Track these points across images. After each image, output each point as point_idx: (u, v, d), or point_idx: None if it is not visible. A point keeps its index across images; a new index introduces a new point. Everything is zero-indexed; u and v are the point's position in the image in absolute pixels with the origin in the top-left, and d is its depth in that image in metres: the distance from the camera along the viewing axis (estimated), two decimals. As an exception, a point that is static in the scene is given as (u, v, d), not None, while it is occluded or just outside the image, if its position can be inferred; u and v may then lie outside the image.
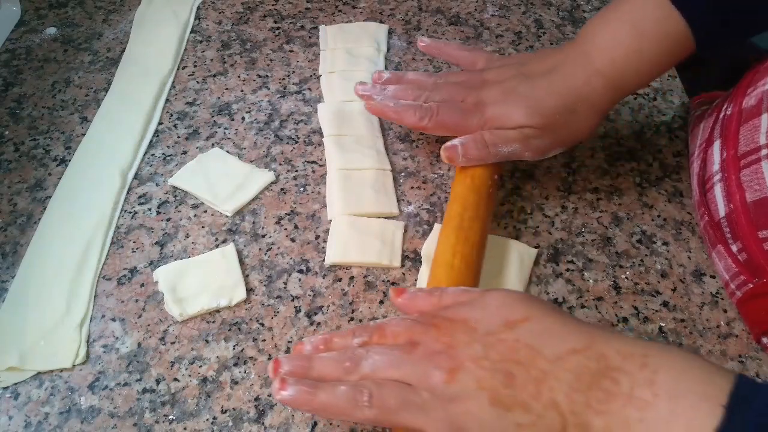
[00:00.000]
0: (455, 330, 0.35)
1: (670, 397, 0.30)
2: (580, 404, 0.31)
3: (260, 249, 0.49)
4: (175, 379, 0.42)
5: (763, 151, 0.42)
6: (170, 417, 0.41)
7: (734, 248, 0.44)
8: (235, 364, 0.43)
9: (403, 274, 0.48)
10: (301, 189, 0.53)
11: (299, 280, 0.47)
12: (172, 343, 0.44)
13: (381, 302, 0.46)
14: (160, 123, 0.59)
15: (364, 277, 0.47)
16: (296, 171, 0.55)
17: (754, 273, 0.43)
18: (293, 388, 0.34)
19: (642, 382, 0.30)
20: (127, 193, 0.53)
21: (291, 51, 0.66)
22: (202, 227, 0.51)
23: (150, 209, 0.52)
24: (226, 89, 0.62)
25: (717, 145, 0.48)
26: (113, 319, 0.45)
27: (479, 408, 0.32)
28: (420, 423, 0.33)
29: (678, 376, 0.30)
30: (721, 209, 0.45)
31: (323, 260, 0.48)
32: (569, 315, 0.36)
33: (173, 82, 0.63)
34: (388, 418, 0.33)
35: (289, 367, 0.36)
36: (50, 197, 0.52)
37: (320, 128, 0.58)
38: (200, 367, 0.43)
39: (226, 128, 0.58)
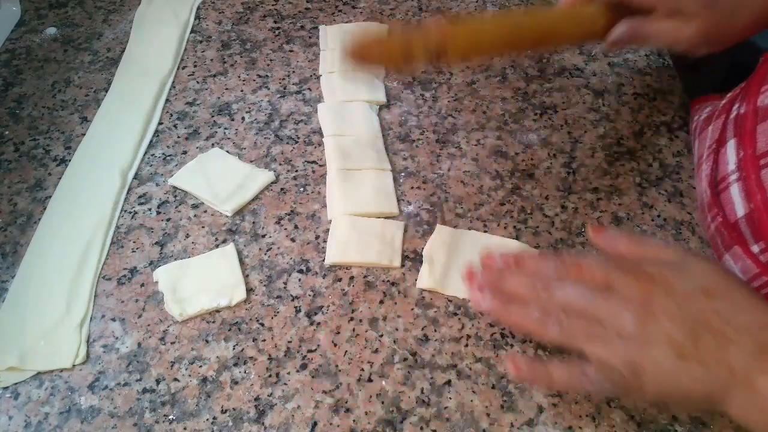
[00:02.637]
0: (654, 285, 0.36)
1: None
2: (755, 368, 0.33)
3: (260, 249, 0.49)
4: (175, 379, 0.42)
5: None
6: (170, 417, 0.41)
7: (755, 249, 0.44)
8: (235, 364, 0.43)
9: (403, 274, 0.48)
10: (301, 189, 0.53)
11: (299, 280, 0.47)
12: (172, 343, 0.44)
13: (381, 302, 0.46)
14: (160, 123, 0.59)
15: (364, 277, 0.47)
16: (296, 171, 0.55)
17: None
18: (490, 300, 0.38)
19: None
20: (127, 193, 0.53)
21: (291, 51, 0.66)
22: (202, 227, 0.51)
23: (150, 209, 0.52)
24: (226, 89, 0.62)
25: (731, 145, 0.47)
26: (113, 319, 0.45)
27: (662, 356, 0.34)
28: (602, 354, 0.35)
29: None
30: (739, 209, 0.45)
31: (323, 260, 0.48)
32: (758, 293, 0.37)
33: (173, 82, 0.63)
34: (572, 343, 0.36)
35: (485, 278, 0.39)
36: (50, 197, 0.52)
37: (320, 128, 0.58)
38: (200, 367, 0.43)
39: (226, 128, 0.58)
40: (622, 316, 0.36)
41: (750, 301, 0.36)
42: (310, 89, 0.62)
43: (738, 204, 0.45)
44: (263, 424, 0.40)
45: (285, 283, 0.47)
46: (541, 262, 0.40)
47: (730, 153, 0.47)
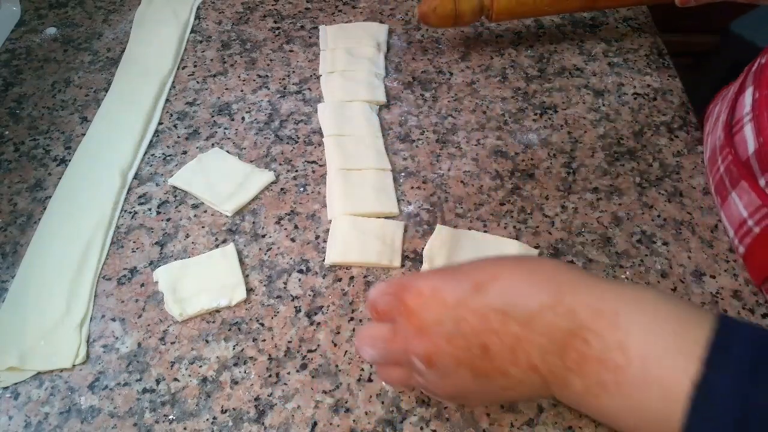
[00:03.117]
0: (424, 306, 0.34)
1: (644, 360, 0.29)
2: (557, 366, 0.31)
3: (260, 249, 0.49)
4: (175, 379, 0.42)
5: None
6: (170, 417, 0.41)
7: (762, 182, 0.45)
8: (235, 364, 0.43)
9: (403, 273, 0.48)
10: (301, 189, 0.53)
11: (299, 280, 0.47)
12: (172, 343, 0.44)
13: (381, 302, 0.46)
14: (160, 123, 0.59)
15: (364, 277, 0.47)
16: (296, 171, 0.55)
17: None
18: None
19: (614, 345, 0.30)
20: (127, 193, 0.53)
21: (291, 51, 0.66)
22: (202, 227, 0.51)
23: (150, 209, 0.52)
24: (226, 89, 0.62)
25: (749, 92, 0.48)
26: (113, 319, 0.45)
27: (463, 381, 0.33)
28: (428, 392, 0.37)
29: (651, 334, 0.30)
30: (751, 146, 0.46)
31: (323, 260, 0.48)
32: (539, 261, 0.36)
33: (173, 82, 0.63)
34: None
35: None
36: (50, 197, 0.52)
37: (320, 128, 0.58)
38: (200, 367, 0.43)
39: (226, 128, 0.58)
40: (413, 360, 0.34)
41: (524, 278, 0.33)
42: (310, 89, 0.62)
43: (750, 141, 0.46)
44: (263, 424, 0.40)
45: (285, 283, 0.47)
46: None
47: (747, 98, 0.48)
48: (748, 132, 0.47)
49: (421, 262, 0.48)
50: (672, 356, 0.29)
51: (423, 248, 0.49)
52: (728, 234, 0.49)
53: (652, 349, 0.29)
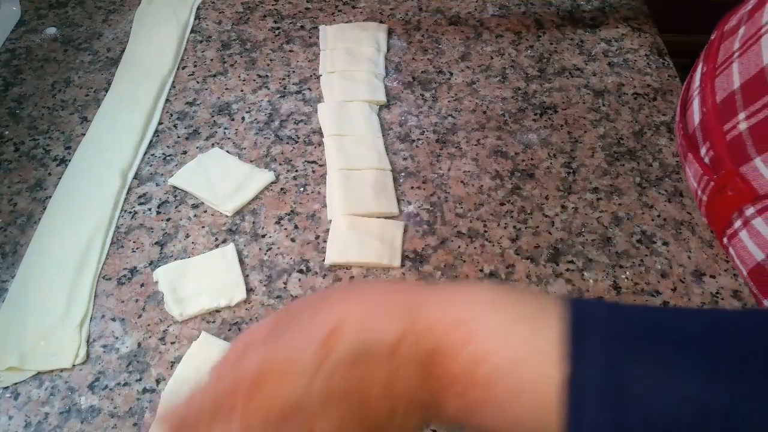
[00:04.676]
0: (274, 395, 0.28)
1: (506, 371, 0.27)
2: (428, 392, 0.29)
3: (260, 249, 0.49)
4: (175, 379, 0.42)
5: (735, 54, 0.45)
6: (170, 417, 0.40)
7: (703, 151, 0.47)
8: (235, 364, 0.43)
9: (403, 274, 0.48)
10: (301, 189, 0.53)
11: (299, 280, 0.47)
12: (172, 343, 0.44)
13: (381, 302, 0.46)
14: (160, 123, 0.59)
15: (364, 277, 0.47)
16: (296, 171, 0.55)
17: (716, 169, 0.46)
18: None
19: (472, 360, 0.28)
20: (127, 193, 0.53)
21: (291, 51, 0.66)
22: (202, 227, 0.51)
23: (150, 209, 0.52)
24: (226, 89, 0.62)
25: (699, 68, 0.51)
26: (113, 319, 0.45)
27: None
28: None
29: (507, 341, 0.28)
30: (696, 118, 0.48)
31: (323, 260, 0.48)
32: (371, 288, 0.33)
33: (173, 82, 0.63)
34: None
35: None
36: (50, 197, 0.52)
37: (320, 128, 0.58)
38: (200, 367, 0.43)
39: (226, 128, 0.58)
40: None
41: (374, 310, 0.29)
42: (310, 89, 0.62)
43: (696, 114, 0.49)
44: (263, 424, 0.40)
45: (285, 283, 0.47)
46: None
47: (698, 74, 0.51)
48: (696, 105, 0.49)
49: (422, 262, 0.48)
50: (533, 362, 0.27)
51: (423, 248, 0.49)
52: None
53: (512, 357, 0.27)
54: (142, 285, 0.47)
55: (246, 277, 0.47)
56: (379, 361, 0.28)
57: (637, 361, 0.25)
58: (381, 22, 0.68)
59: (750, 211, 0.43)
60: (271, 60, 0.65)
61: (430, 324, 0.28)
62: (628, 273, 0.48)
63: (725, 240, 0.47)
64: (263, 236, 0.50)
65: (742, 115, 0.43)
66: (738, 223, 0.45)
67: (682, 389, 0.25)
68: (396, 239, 0.49)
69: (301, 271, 0.48)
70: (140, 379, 0.42)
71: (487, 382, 0.27)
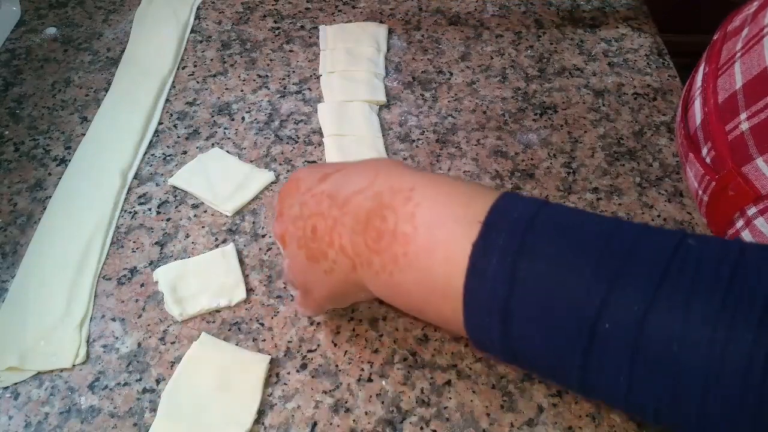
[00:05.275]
0: (283, 193, 0.38)
1: (429, 227, 0.31)
2: (360, 245, 0.33)
3: (260, 249, 0.49)
4: (175, 379, 0.42)
5: (738, 54, 0.45)
6: (170, 417, 0.40)
7: (704, 152, 0.47)
8: (235, 364, 0.43)
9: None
10: (301, 189, 0.53)
11: (299, 280, 0.47)
12: (172, 343, 0.44)
13: (381, 302, 0.46)
14: (160, 123, 0.59)
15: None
16: (296, 171, 0.55)
17: (717, 169, 0.46)
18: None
19: (405, 217, 0.32)
20: (127, 193, 0.53)
21: (291, 51, 0.66)
22: (202, 227, 0.51)
23: (150, 209, 0.52)
24: (226, 89, 0.62)
25: (701, 68, 0.51)
26: (113, 319, 0.45)
27: (302, 263, 0.37)
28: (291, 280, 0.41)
29: (439, 205, 0.31)
30: (698, 118, 0.48)
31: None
32: (383, 159, 0.38)
33: (173, 82, 0.63)
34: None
35: None
36: (50, 197, 0.52)
37: (320, 128, 0.58)
38: (200, 367, 0.43)
39: (226, 128, 0.58)
40: (277, 241, 0.39)
41: (355, 168, 0.36)
42: (310, 89, 0.62)
43: (698, 114, 0.48)
44: (263, 424, 0.40)
45: (285, 283, 0.47)
46: None
47: (700, 74, 0.51)
48: (698, 105, 0.49)
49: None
50: (456, 223, 0.30)
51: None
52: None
53: (438, 218, 0.31)
54: (142, 285, 0.47)
55: (246, 277, 0.47)
56: (333, 207, 0.34)
57: (538, 243, 0.29)
58: (381, 22, 0.68)
59: (752, 210, 0.43)
60: (271, 60, 0.65)
61: (381, 189, 0.33)
62: (628, 273, 0.48)
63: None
64: (263, 236, 0.50)
65: (743, 115, 0.43)
66: (740, 223, 0.45)
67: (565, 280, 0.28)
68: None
69: (301, 271, 0.48)
70: (140, 379, 0.42)
71: (409, 237, 0.31)
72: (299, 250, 0.36)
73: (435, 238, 0.30)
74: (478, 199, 0.31)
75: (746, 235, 0.45)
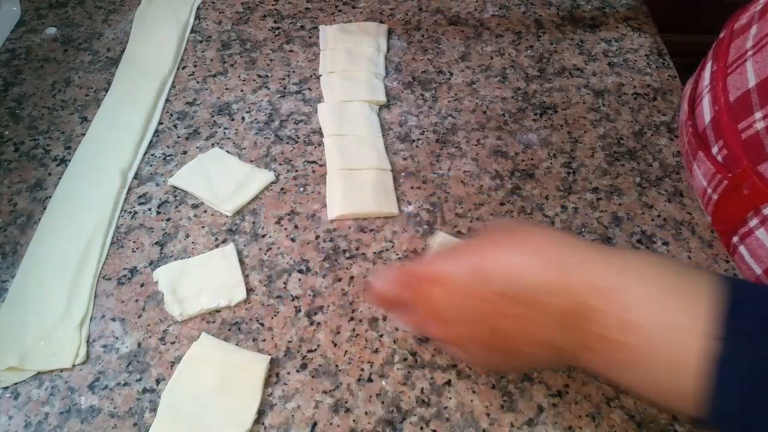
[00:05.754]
0: (442, 299, 0.35)
1: (649, 339, 0.29)
2: (563, 341, 0.32)
3: (260, 249, 0.49)
4: (175, 379, 0.42)
5: (749, 53, 0.45)
6: (170, 417, 0.40)
7: (715, 150, 0.47)
8: (235, 364, 0.43)
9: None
10: (301, 189, 0.53)
11: (299, 280, 0.47)
12: (172, 343, 0.44)
13: (381, 302, 0.46)
14: (160, 123, 0.59)
15: (364, 277, 0.47)
16: (296, 171, 0.55)
17: (730, 168, 0.46)
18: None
19: (617, 324, 0.30)
20: (127, 193, 0.53)
21: (291, 51, 0.66)
22: (202, 227, 0.51)
23: (150, 209, 0.52)
24: (226, 89, 0.62)
25: (709, 65, 0.51)
26: (113, 319, 0.45)
27: (484, 356, 0.37)
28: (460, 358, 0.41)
29: (653, 312, 0.29)
30: (707, 116, 0.48)
31: (323, 260, 0.48)
32: (530, 233, 0.36)
33: (173, 82, 0.63)
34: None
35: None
36: (50, 197, 0.52)
37: (320, 128, 0.58)
38: (200, 367, 0.43)
39: (226, 128, 0.58)
40: (433, 340, 0.38)
41: (525, 260, 0.33)
42: (310, 89, 0.62)
43: (707, 112, 0.48)
44: (263, 424, 0.40)
45: (285, 283, 0.47)
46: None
47: (707, 72, 0.51)
48: (706, 103, 0.49)
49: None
50: (679, 335, 0.28)
51: (423, 248, 0.49)
52: (700, 206, 0.51)
53: (656, 328, 0.29)
54: (142, 285, 0.47)
55: (246, 277, 0.47)
56: (512, 305, 0.33)
57: None
58: (381, 22, 0.68)
59: None
60: (271, 60, 0.65)
61: (580, 284, 0.31)
62: (628, 273, 0.48)
63: (735, 239, 0.47)
64: (263, 236, 0.50)
65: (758, 114, 0.43)
66: (754, 222, 0.45)
67: None
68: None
69: (301, 271, 0.48)
70: (140, 379, 0.42)
71: (625, 346, 0.30)
72: (480, 348, 0.36)
73: (658, 350, 0.29)
74: (694, 297, 0.29)
75: (761, 234, 0.45)
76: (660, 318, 0.29)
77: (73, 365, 0.43)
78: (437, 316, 0.36)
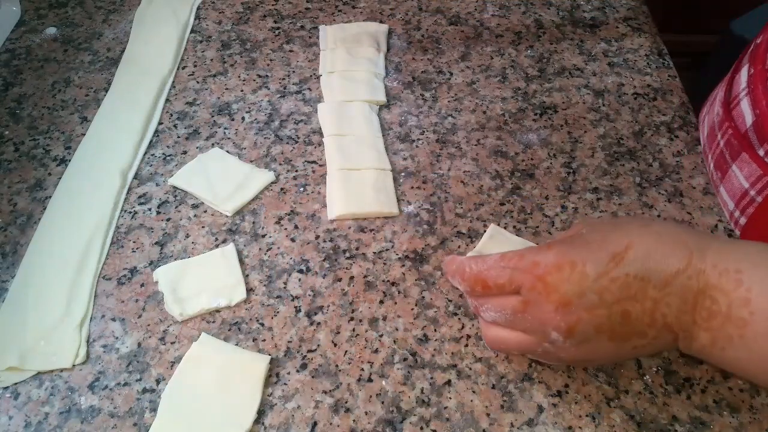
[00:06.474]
0: (565, 281, 0.35)
1: (761, 317, 0.32)
2: (688, 323, 0.35)
3: (260, 249, 0.49)
4: (175, 379, 0.42)
5: None
6: (170, 417, 0.40)
7: (761, 152, 0.47)
8: (235, 364, 0.43)
9: (403, 274, 0.48)
10: (301, 189, 0.53)
11: (299, 280, 0.47)
12: (172, 343, 0.44)
13: (381, 302, 0.46)
14: (160, 123, 0.59)
15: (364, 277, 0.47)
16: (296, 171, 0.55)
17: None
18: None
19: (738, 302, 0.33)
20: (127, 193, 0.53)
21: (291, 51, 0.66)
22: (202, 227, 0.51)
23: (150, 209, 0.52)
24: (226, 89, 0.62)
25: (745, 69, 0.51)
26: (113, 319, 0.45)
27: (599, 345, 0.36)
28: (546, 360, 0.40)
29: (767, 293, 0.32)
30: (748, 119, 0.48)
31: (323, 260, 0.48)
32: (663, 225, 0.37)
33: (173, 82, 0.63)
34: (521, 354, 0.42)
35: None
36: (50, 197, 0.52)
37: (320, 128, 0.58)
38: (200, 367, 0.43)
39: (226, 128, 0.58)
40: (549, 333, 0.36)
41: (656, 245, 0.35)
42: (310, 89, 0.62)
43: (747, 115, 0.48)
44: (263, 424, 0.40)
45: (285, 283, 0.47)
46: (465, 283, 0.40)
47: (743, 75, 0.51)
48: (745, 106, 0.48)
49: (422, 262, 0.48)
50: None
51: (423, 248, 0.49)
52: (727, 208, 0.50)
53: None
54: (142, 285, 0.47)
55: (246, 277, 0.47)
56: (649, 289, 0.34)
57: None
58: (381, 22, 0.68)
59: None
60: (271, 60, 0.65)
61: (703, 268, 0.34)
62: (628, 273, 0.48)
63: None
64: (263, 236, 0.50)
65: None
66: None
67: None
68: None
69: (301, 271, 0.48)
70: (140, 379, 0.42)
71: (745, 321, 0.33)
72: (599, 335, 0.35)
73: None
74: None
75: None
76: None
77: (73, 365, 0.43)
78: (556, 300, 0.35)
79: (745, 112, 0.48)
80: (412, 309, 0.46)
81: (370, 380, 0.42)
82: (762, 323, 0.32)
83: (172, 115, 0.60)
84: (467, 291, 0.40)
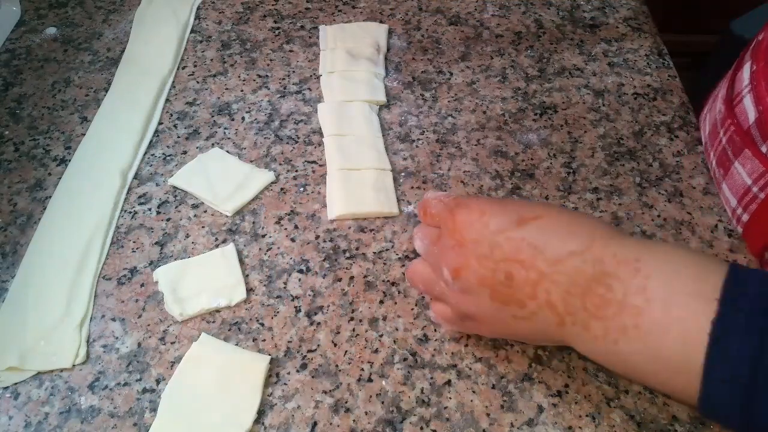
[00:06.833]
0: (468, 225, 0.37)
1: (663, 302, 0.31)
2: (576, 307, 0.33)
3: (260, 249, 0.49)
4: (175, 379, 0.42)
5: None
6: (170, 417, 0.40)
7: (764, 149, 0.47)
8: (235, 364, 0.43)
9: (403, 273, 0.48)
10: (301, 189, 0.53)
11: (299, 280, 0.47)
12: (172, 343, 0.44)
13: (381, 302, 0.46)
14: (160, 123, 0.59)
15: (364, 277, 0.48)
16: (296, 171, 0.55)
17: None
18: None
19: (634, 290, 0.32)
20: (127, 193, 0.53)
21: (291, 51, 0.66)
22: (202, 227, 0.51)
23: (150, 209, 0.52)
24: (226, 89, 0.62)
25: (747, 66, 0.50)
26: (113, 319, 0.45)
27: (480, 301, 0.36)
28: (440, 309, 0.41)
29: (670, 278, 0.32)
30: (751, 116, 0.48)
31: (323, 260, 0.48)
32: (580, 215, 0.38)
33: (173, 82, 0.63)
34: (425, 294, 0.44)
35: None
36: (50, 197, 0.52)
37: (320, 128, 0.58)
38: (200, 367, 0.43)
39: (226, 128, 0.58)
40: (442, 269, 0.38)
41: (563, 224, 0.35)
42: (310, 89, 0.62)
43: (750, 112, 0.48)
44: (263, 424, 0.40)
45: (285, 283, 0.47)
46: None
47: (746, 72, 0.50)
48: (748, 103, 0.48)
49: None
50: (691, 299, 0.30)
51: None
52: (730, 205, 0.50)
53: (672, 293, 0.31)
54: (142, 285, 0.47)
55: (246, 277, 0.47)
56: (539, 259, 0.34)
57: None
58: (381, 22, 0.68)
59: None
60: (271, 60, 0.65)
61: (601, 256, 0.33)
62: (628, 273, 0.48)
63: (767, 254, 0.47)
64: (263, 236, 0.50)
65: None
66: None
67: None
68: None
69: (301, 271, 0.48)
70: (140, 379, 0.42)
71: (641, 310, 0.31)
72: (482, 287, 0.36)
73: (670, 314, 0.31)
74: (707, 272, 0.31)
75: None
76: (676, 286, 0.31)
77: (73, 365, 0.43)
78: (456, 239, 0.37)
79: (748, 108, 0.48)
80: (412, 309, 0.46)
81: (370, 380, 0.42)
82: (657, 312, 0.31)
83: (172, 115, 0.60)
84: (420, 217, 0.42)
